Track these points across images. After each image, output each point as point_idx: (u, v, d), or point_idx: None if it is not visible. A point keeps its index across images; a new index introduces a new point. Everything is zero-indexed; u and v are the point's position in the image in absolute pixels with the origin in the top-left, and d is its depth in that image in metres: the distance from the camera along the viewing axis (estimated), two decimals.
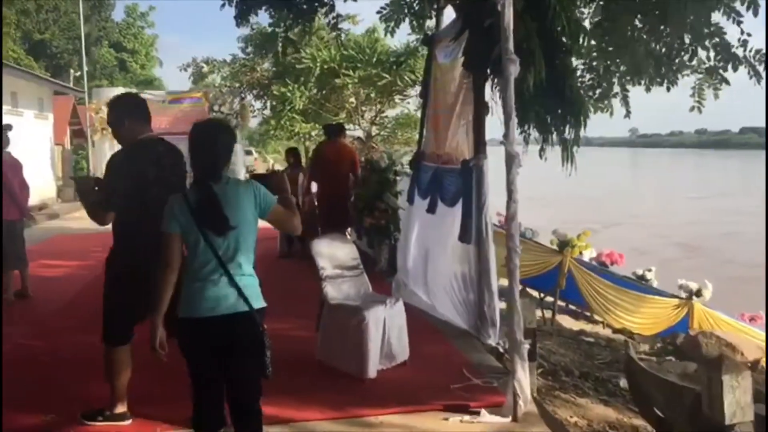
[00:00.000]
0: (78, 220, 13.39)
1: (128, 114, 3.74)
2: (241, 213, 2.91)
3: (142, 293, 3.59)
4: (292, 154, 10.12)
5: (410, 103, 17.13)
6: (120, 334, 3.77)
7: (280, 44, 13.20)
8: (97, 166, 19.99)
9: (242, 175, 15.92)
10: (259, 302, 2.98)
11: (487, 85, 5.08)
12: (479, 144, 5.06)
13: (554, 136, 5.23)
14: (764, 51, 6.02)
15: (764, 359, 7.08)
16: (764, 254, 13.04)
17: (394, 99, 17.11)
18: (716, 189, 39.09)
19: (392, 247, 8.04)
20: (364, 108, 17.46)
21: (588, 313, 9.84)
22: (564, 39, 5.10)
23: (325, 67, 15.58)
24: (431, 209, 5.96)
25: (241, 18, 7.01)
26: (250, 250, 3.00)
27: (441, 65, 6.18)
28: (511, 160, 3.83)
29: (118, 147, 3.88)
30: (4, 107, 15.30)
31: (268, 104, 18.52)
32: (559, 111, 5.11)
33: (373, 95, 16.69)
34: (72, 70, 35.90)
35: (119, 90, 19.02)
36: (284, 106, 16.25)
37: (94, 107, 19.79)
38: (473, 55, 5.05)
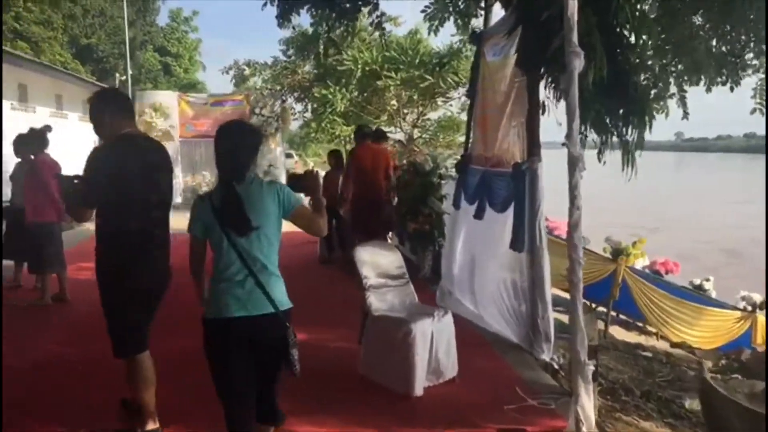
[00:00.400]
0: None
1: (109, 108, 3.56)
2: (264, 213, 2.88)
3: (133, 294, 3.42)
4: (334, 156, 9.91)
5: (453, 106, 16.90)
6: (126, 341, 3.55)
7: (322, 45, 13.09)
8: None
9: (283, 178, 15.80)
10: (284, 303, 2.94)
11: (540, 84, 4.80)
12: (533, 146, 4.80)
13: (614, 137, 4.90)
14: None
15: None
16: None
17: (436, 101, 16.86)
18: (762, 193, 37.71)
19: (436, 254, 7.77)
20: (405, 110, 17.23)
21: (640, 324, 9.42)
22: (626, 34, 4.77)
23: (367, 69, 15.41)
24: (479, 215, 5.72)
25: (283, 18, 6.85)
26: (274, 250, 2.95)
27: (490, 63, 5.94)
28: (574, 163, 3.51)
29: None
30: (49, 110, 15.53)
31: (309, 107, 18.44)
32: (621, 111, 4.77)
33: (415, 97, 16.47)
34: (117, 74, 36.43)
35: (163, 93, 19.19)
36: (325, 109, 16.12)
37: (137, 110, 19.94)
38: (527, 51, 4.79)
